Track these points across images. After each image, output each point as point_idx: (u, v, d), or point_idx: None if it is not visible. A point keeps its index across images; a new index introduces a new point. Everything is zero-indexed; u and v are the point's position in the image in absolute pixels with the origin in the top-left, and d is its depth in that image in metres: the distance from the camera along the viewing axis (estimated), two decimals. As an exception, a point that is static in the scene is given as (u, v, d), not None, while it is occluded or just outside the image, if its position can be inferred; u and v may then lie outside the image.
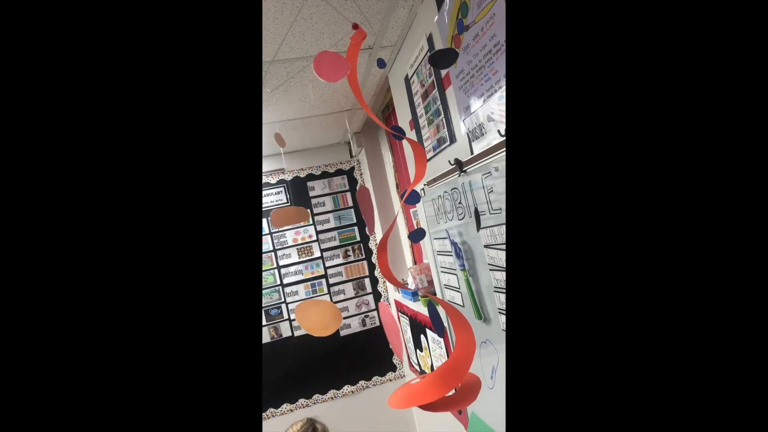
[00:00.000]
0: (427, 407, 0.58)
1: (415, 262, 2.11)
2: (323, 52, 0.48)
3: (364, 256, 2.46)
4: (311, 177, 2.44)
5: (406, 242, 2.18)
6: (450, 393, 0.60)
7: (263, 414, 2.28)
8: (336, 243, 2.43)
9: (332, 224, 2.43)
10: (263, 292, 2.32)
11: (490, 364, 1.01)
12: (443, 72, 1.03)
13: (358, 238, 2.46)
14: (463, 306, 1.15)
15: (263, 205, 2.35)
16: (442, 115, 1.07)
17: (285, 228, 2.37)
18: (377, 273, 2.46)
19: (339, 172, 2.48)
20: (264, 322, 2.31)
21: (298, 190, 2.41)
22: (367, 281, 2.46)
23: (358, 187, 2.45)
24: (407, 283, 2.05)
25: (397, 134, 0.68)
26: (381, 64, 0.84)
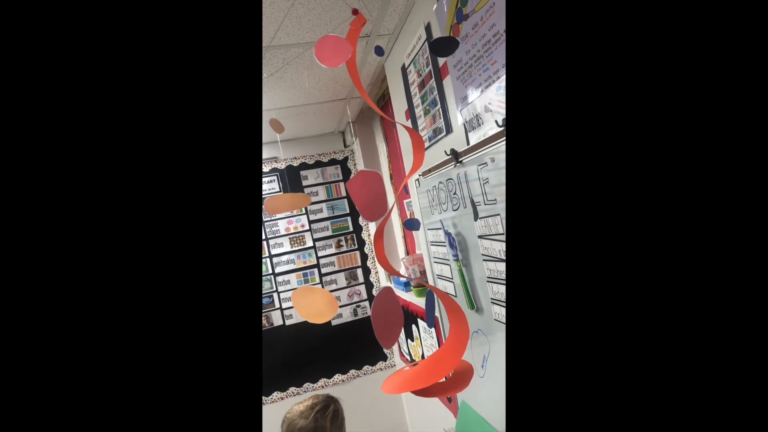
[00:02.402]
0: (420, 392, 0.58)
1: (407, 253, 2.12)
2: (325, 36, 0.47)
3: (356, 246, 2.46)
4: (304, 166, 2.43)
5: (399, 232, 2.19)
6: (442, 380, 0.61)
7: (254, 402, 2.29)
8: (329, 233, 2.43)
9: (325, 214, 2.43)
10: (255, 280, 2.32)
11: (482, 354, 1.03)
12: (441, 62, 1.03)
13: (351, 228, 2.46)
14: (455, 296, 1.16)
15: (256, 194, 2.33)
16: (439, 105, 1.07)
17: (278, 216, 2.36)
18: (369, 263, 2.47)
19: (332, 162, 2.46)
20: (255, 311, 2.31)
21: (291, 179, 2.39)
22: (359, 271, 2.46)
23: (353, 174, 2.44)
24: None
25: (392, 120, 0.68)
26: (379, 51, 0.83)
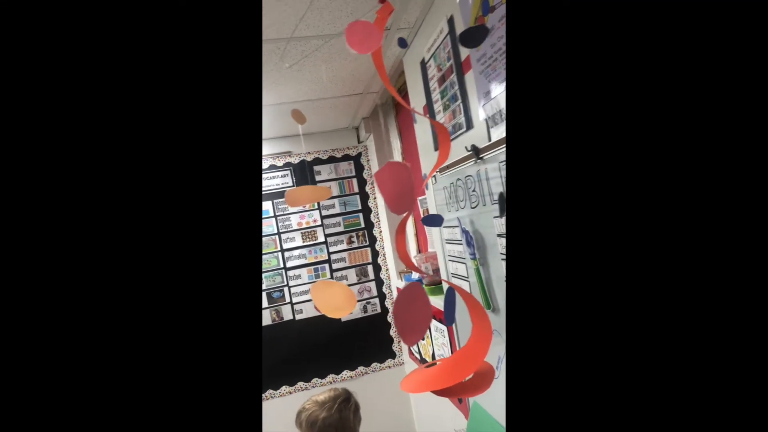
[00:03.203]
0: (440, 392, 0.57)
1: (419, 251, 2.11)
2: (355, 21, 0.46)
3: (367, 243, 2.45)
4: (318, 161, 2.42)
5: (410, 230, 2.17)
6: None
7: (264, 395, 2.30)
8: (340, 229, 2.42)
9: (337, 210, 2.42)
10: (266, 274, 2.32)
11: (497, 354, 1.01)
12: (463, 56, 1.01)
13: (363, 225, 2.45)
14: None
15: (269, 188, 2.34)
16: (460, 100, 1.05)
17: (290, 211, 2.36)
18: (380, 260, 2.46)
19: (346, 158, 2.45)
20: (266, 305, 2.32)
21: (305, 174, 2.39)
22: (369, 268, 2.45)
23: (365, 169, 2.43)
24: (410, 272, 2.04)
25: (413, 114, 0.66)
26: (402, 43, 0.81)
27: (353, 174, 2.46)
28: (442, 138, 0.58)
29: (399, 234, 0.60)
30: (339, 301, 0.68)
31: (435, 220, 0.78)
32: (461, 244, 1.17)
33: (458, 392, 0.58)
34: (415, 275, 1.87)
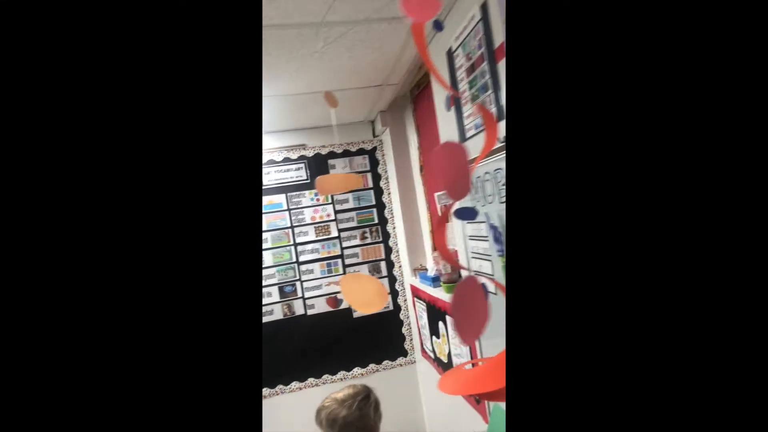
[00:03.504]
0: (484, 396, 0.53)
1: (435, 248, 2.06)
2: (411, -14, 0.42)
3: (381, 239, 2.42)
4: (332, 155, 2.39)
5: (426, 227, 2.13)
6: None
7: (273, 390, 2.28)
8: (354, 224, 2.39)
9: (351, 204, 2.39)
10: (279, 268, 2.29)
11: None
12: (496, 43, 0.96)
13: (376, 221, 2.41)
14: (495, 294, 1.10)
15: (282, 182, 2.31)
16: (491, 90, 1.01)
17: (303, 205, 2.33)
18: (393, 256, 2.42)
19: (361, 152, 2.42)
20: (278, 299, 2.29)
21: (319, 168, 2.35)
22: (383, 264, 2.42)
23: (380, 164, 2.39)
24: (426, 269, 2.00)
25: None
26: (438, 26, 0.77)
27: (368, 168, 2.42)
28: (488, 123, 0.54)
29: (438, 227, 0.56)
30: (370, 296, 0.64)
31: (469, 214, 0.74)
32: (486, 240, 1.12)
33: (498, 396, 0.54)
34: (431, 272, 1.83)
